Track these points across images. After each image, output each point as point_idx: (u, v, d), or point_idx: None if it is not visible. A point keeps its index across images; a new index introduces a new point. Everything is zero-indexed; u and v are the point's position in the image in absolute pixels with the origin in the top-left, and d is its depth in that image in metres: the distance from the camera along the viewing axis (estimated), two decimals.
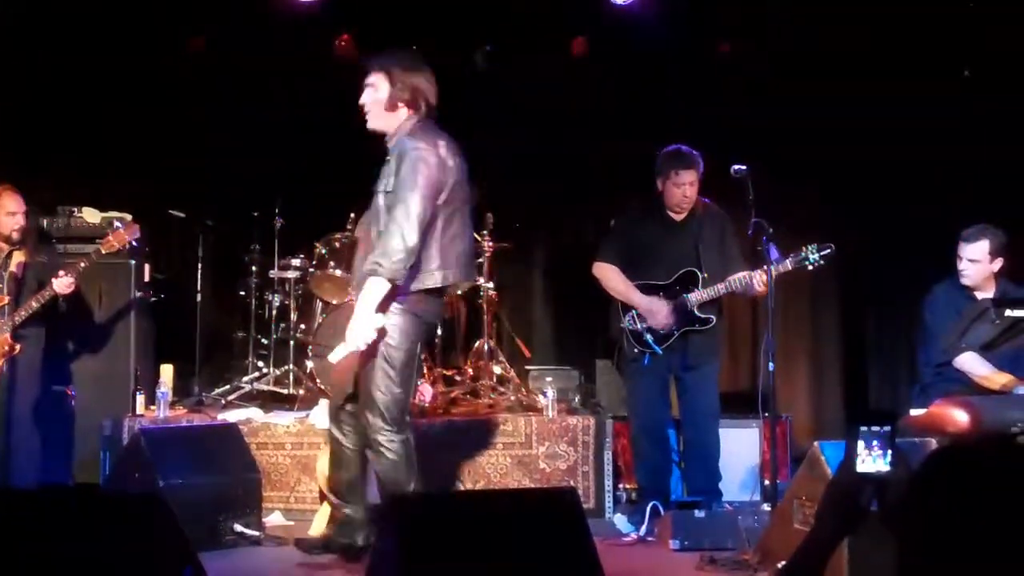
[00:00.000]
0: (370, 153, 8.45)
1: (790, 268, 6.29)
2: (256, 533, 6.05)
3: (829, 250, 6.31)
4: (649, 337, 6.47)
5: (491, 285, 7.79)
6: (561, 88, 8.58)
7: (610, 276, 6.61)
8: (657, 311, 6.46)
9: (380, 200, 5.26)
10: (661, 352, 6.48)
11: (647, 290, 6.53)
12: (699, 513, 5.95)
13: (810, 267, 6.33)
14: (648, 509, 6.20)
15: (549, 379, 7.47)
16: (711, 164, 6.54)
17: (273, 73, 8.32)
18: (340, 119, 8.46)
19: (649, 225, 6.64)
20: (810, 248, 6.31)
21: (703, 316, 6.50)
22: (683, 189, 6.47)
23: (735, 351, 8.69)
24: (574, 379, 7.85)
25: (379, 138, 5.45)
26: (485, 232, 7.71)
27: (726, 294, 6.50)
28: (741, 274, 6.40)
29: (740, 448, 7.01)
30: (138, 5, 8.11)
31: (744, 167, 5.98)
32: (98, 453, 7.09)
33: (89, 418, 7.19)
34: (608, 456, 6.96)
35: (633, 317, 6.51)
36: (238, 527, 6.05)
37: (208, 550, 5.42)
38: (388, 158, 5.33)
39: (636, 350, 6.52)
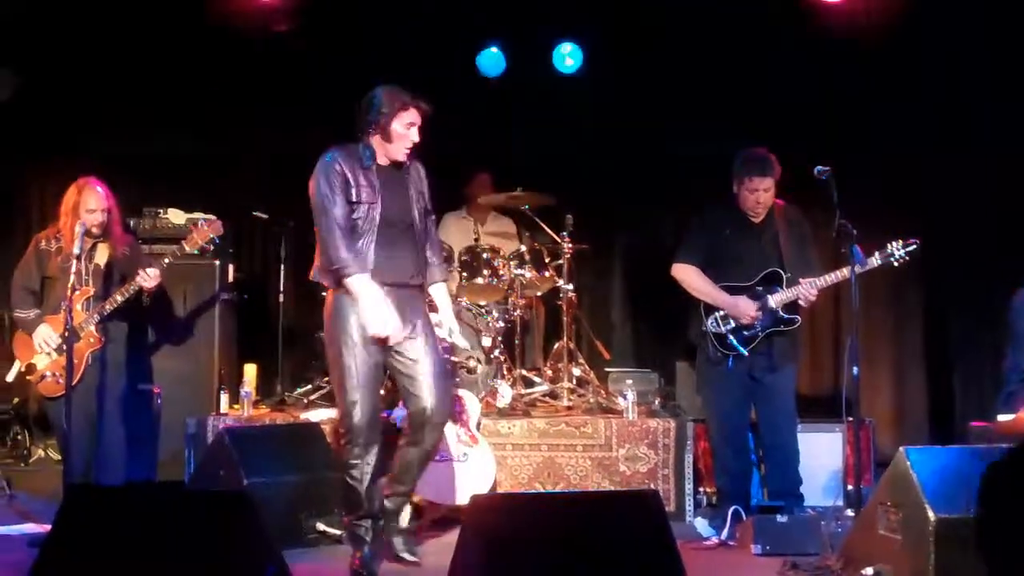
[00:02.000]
0: (447, 156, 8.55)
1: (877, 264, 6.22)
2: (338, 532, 6.07)
3: (914, 245, 6.22)
4: (733, 339, 6.43)
5: (570, 287, 7.76)
6: (639, 87, 8.56)
7: (691, 277, 6.57)
8: (744, 309, 6.41)
9: (416, 216, 5.64)
10: (747, 354, 6.44)
11: (730, 292, 6.49)
12: (781, 518, 5.89)
13: (896, 263, 6.25)
14: (730, 513, 6.15)
15: (629, 381, 7.44)
16: (792, 164, 6.50)
17: (357, 73, 8.39)
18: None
19: (728, 226, 6.58)
20: (895, 244, 6.23)
21: (788, 316, 6.44)
22: (757, 195, 6.42)
23: (817, 354, 8.62)
24: (654, 381, 7.81)
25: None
26: (564, 233, 7.70)
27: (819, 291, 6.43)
28: (835, 273, 6.32)
29: (823, 452, 6.94)
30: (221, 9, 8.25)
31: (827, 168, 5.92)
32: (182, 451, 7.19)
33: (173, 416, 7.29)
34: (689, 459, 6.93)
35: (717, 319, 6.47)
36: (320, 525, 6.11)
37: (290, 548, 5.46)
38: (408, 178, 5.67)
39: (720, 353, 6.48)
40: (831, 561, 5.39)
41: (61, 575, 4.09)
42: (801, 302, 6.40)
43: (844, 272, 6.22)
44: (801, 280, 6.37)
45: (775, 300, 6.40)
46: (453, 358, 6.88)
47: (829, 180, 5.90)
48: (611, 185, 8.80)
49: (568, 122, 8.65)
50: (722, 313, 6.47)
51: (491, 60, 8.74)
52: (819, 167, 5.93)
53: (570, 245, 7.71)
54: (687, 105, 8.47)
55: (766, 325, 6.42)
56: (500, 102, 8.76)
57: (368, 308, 5.33)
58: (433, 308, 5.93)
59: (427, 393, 5.52)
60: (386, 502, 5.66)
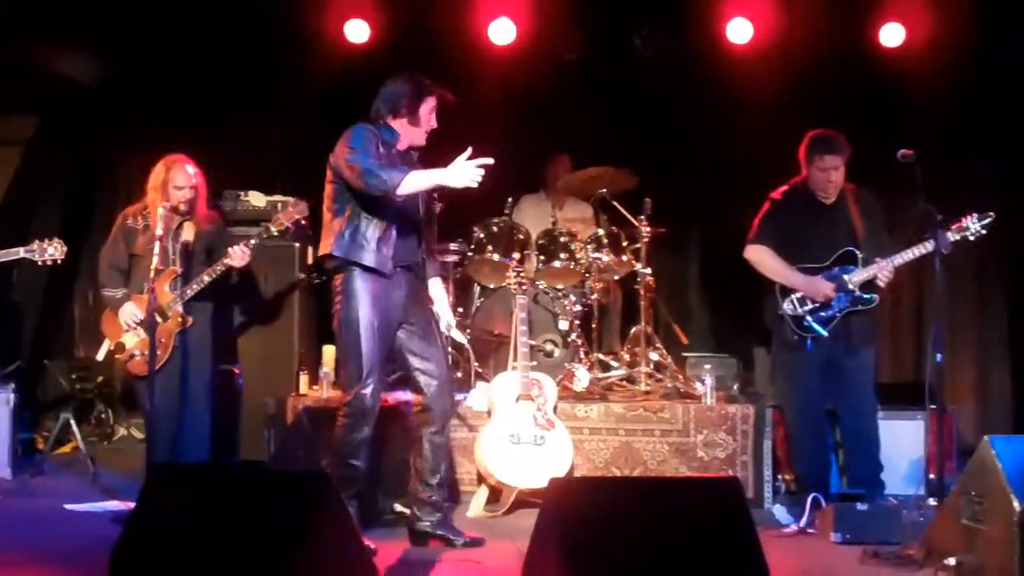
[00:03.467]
0: (527, 139, 8.54)
1: (954, 239, 6.14)
2: None
3: (990, 218, 6.17)
4: (811, 320, 6.36)
5: (648, 271, 7.72)
6: (718, 74, 8.49)
7: (765, 258, 6.52)
8: (821, 288, 6.34)
9: (421, 205, 5.78)
10: (826, 334, 6.36)
11: (805, 273, 6.43)
12: (862, 506, 5.83)
13: (971, 237, 6.20)
14: (809, 500, 6.09)
15: (707, 366, 7.38)
16: (874, 150, 6.42)
17: (429, 61, 8.41)
18: (497, 103, 8.60)
19: (801, 209, 6.54)
20: (971, 218, 6.17)
21: (866, 295, 6.36)
22: (827, 174, 6.37)
23: (898, 341, 8.52)
24: (732, 366, 7.74)
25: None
26: (642, 217, 7.66)
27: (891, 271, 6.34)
28: (911, 250, 6.23)
29: (904, 440, 6.87)
30: None
31: (911, 152, 5.84)
32: (262, 431, 7.27)
33: (254, 397, 7.39)
34: (768, 445, 6.85)
35: (793, 301, 6.41)
36: (397, 506, 6.15)
37: (367, 528, 5.52)
38: (416, 167, 5.69)
39: (797, 336, 6.42)
40: (912, 551, 5.34)
41: (144, 551, 4.15)
42: (879, 281, 6.33)
43: (918, 249, 6.19)
44: (877, 259, 6.30)
45: (852, 280, 6.33)
46: (531, 341, 6.88)
47: (912, 164, 5.83)
48: (689, 169, 8.73)
49: (646, 106, 8.59)
50: (799, 295, 6.41)
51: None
52: (902, 151, 5.87)
53: (648, 229, 7.67)
54: (760, 88, 8.39)
55: (843, 305, 6.36)
56: (580, 86, 8.75)
57: (447, 173, 5.37)
58: (430, 301, 6.00)
59: (442, 372, 5.71)
60: (430, 496, 5.71)
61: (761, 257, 6.55)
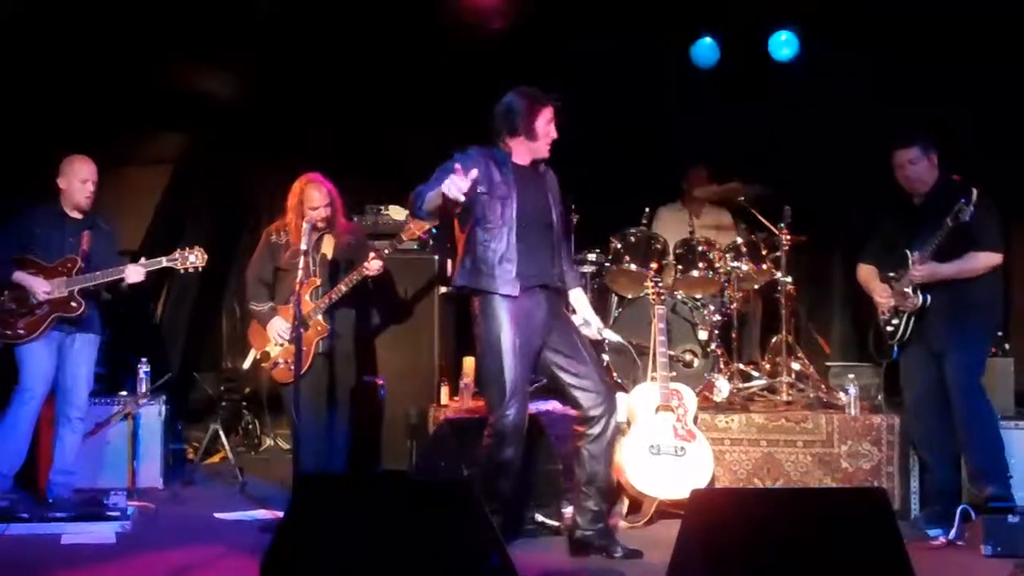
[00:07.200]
0: (664, 151, 8.51)
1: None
2: (556, 523, 6.14)
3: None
4: (890, 329, 6.42)
5: (789, 279, 7.63)
6: (858, 74, 8.36)
7: (862, 276, 6.65)
8: (878, 300, 6.45)
9: (555, 218, 5.76)
10: (894, 342, 6.38)
11: (889, 280, 6.43)
12: (1013, 518, 5.68)
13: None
14: (958, 512, 5.95)
15: (851, 376, 7.25)
16: None
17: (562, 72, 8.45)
18: (632, 116, 8.60)
19: (893, 215, 6.52)
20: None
21: (920, 298, 6.23)
22: (903, 171, 6.33)
23: None
24: (877, 376, 7.59)
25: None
26: (782, 225, 7.57)
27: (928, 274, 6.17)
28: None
29: None
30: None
31: None
32: (404, 441, 7.37)
33: (396, 407, 7.50)
34: (914, 456, 6.71)
35: (883, 311, 6.46)
36: (539, 517, 6.17)
37: (509, 539, 5.53)
38: (545, 182, 5.79)
39: (886, 345, 6.46)
40: None
41: (293, 560, 4.24)
42: (915, 280, 6.21)
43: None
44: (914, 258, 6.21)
45: (903, 283, 6.28)
46: (670, 352, 6.86)
47: None
48: (830, 175, 8.60)
49: (785, 114, 8.50)
50: None
51: (705, 50, 8.69)
52: None
53: (788, 237, 7.58)
54: (905, 91, 8.23)
55: (903, 310, 6.31)
56: (715, 92, 8.69)
57: (444, 185, 5.24)
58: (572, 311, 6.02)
59: (596, 383, 5.65)
60: (591, 505, 5.73)
61: (860, 276, 6.68)
